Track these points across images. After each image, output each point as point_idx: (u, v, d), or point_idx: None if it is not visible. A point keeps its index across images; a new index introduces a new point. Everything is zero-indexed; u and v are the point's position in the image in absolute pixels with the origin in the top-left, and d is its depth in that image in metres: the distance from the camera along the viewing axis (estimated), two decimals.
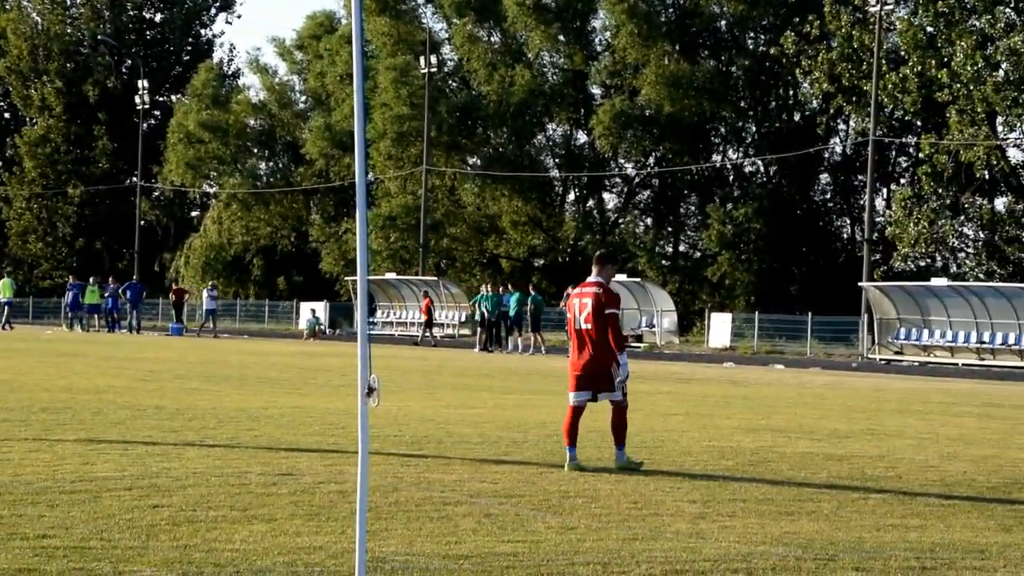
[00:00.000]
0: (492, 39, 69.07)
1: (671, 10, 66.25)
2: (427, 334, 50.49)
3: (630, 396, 12.07)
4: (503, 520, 8.15)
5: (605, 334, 11.51)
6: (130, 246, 75.79)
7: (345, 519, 7.64)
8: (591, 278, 12.14)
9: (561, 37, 67.30)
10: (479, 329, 46.92)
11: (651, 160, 68.62)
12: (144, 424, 14.62)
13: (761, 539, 7.69)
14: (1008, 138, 53.98)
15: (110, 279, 57.83)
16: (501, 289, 47.19)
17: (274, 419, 15.95)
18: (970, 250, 56.44)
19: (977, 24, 49.23)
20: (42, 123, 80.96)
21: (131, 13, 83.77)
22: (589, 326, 11.64)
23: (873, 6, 48.33)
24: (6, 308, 50.38)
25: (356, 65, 5.62)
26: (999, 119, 52.96)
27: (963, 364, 41.48)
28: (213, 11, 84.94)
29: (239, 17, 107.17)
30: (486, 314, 45.35)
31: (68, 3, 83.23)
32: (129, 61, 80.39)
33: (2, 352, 31.86)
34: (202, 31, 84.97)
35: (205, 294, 56.61)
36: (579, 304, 11.84)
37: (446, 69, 69.14)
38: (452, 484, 10.04)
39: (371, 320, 57.03)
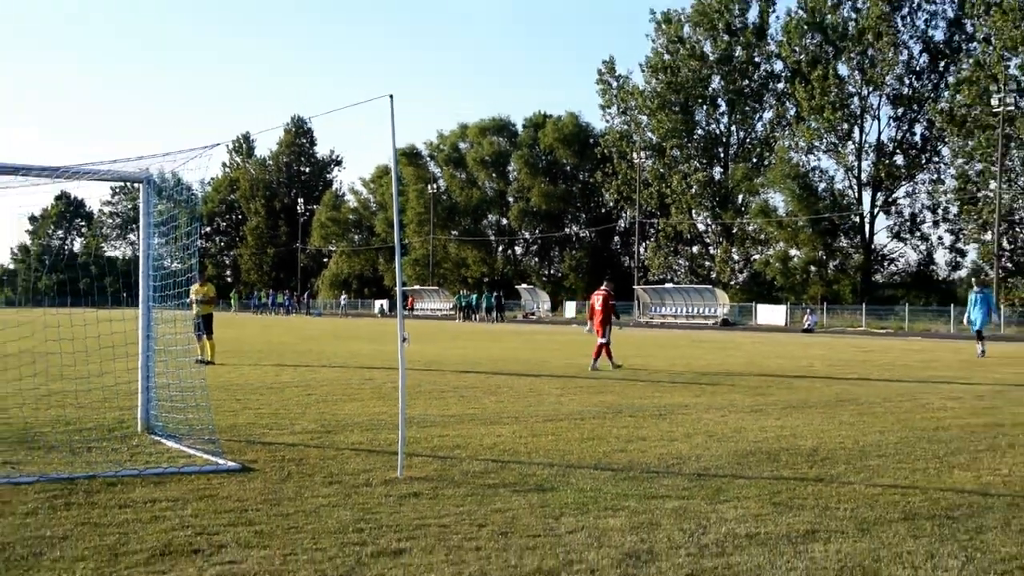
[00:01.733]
0: (462, 176, 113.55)
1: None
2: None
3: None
4: (476, 401, 15.14)
5: (608, 312, 22.62)
6: (295, 275, 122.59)
7: (396, 400, 14.29)
8: (603, 287, 23.18)
9: (494, 175, 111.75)
10: (459, 311, 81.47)
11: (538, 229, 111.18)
12: (302, 356, 23.25)
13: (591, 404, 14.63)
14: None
15: (287, 291, 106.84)
16: (466, 291, 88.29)
17: (362, 354, 24.78)
18: (681, 271, 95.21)
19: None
20: (255, 220, 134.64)
21: (294, 168, 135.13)
22: (599, 308, 22.68)
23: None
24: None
25: (394, 189, 11.15)
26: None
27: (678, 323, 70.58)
28: (332, 165, 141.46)
29: (344, 168, 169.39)
30: (462, 304, 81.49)
31: (267, 164, 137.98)
32: (294, 189, 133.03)
33: (246, 324, 39.58)
34: (326, 173, 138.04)
35: (343, 299, 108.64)
36: (595, 299, 23.09)
37: (440, 189, 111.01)
38: (447, 383, 16.46)
39: (408, 309, 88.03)
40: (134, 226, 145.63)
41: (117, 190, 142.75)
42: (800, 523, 7.31)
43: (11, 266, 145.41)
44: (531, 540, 6.70)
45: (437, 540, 6.68)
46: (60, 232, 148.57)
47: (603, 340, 22.34)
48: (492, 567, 6.05)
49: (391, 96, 9.25)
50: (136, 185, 11.91)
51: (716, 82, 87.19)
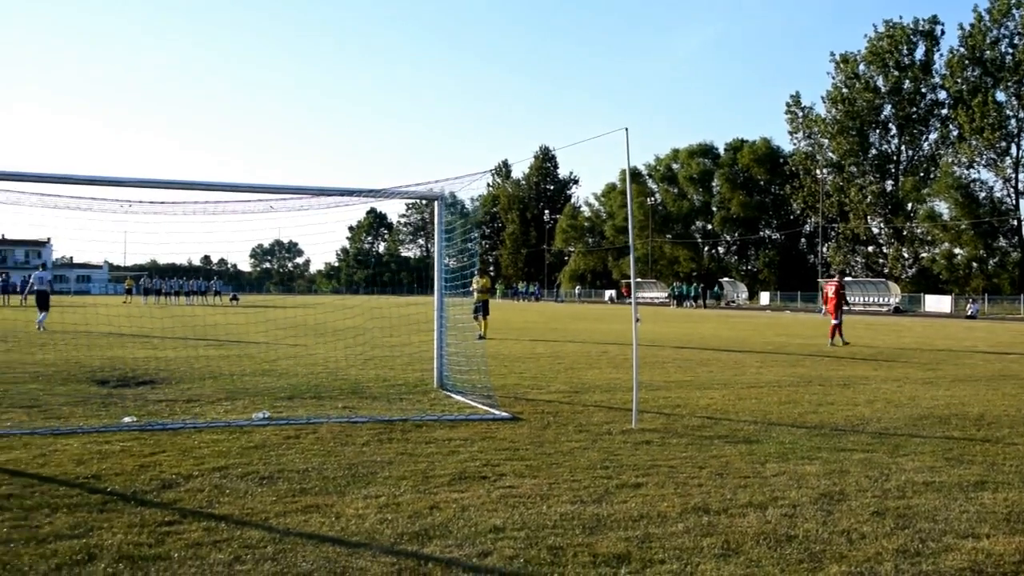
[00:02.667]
0: (674, 191, 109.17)
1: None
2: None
3: None
4: (691, 370, 14.96)
5: (839, 299, 22.39)
6: (542, 270, 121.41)
7: (628, 368, 14.27)
8: (834, 279, 23.06)
9: (700, 189, 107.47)
10: (673, 299, 76.23)
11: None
12: (551, 334, 20.88)
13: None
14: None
15: (536, 282, 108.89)
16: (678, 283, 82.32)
17: (597, 332, 23.25)
18: (858, 267, 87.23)
19: None
20: (512, 227, 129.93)
21: (542, 186, 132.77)
22: (832, 295, 22.59)
23: None
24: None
25: (629, 202, 12.12)
26: None
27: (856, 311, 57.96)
28: (571, 183, 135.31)
29: (580, 185, 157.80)
30: (675, 293, 76.66)
31: (521, 183, 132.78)
32: (541, 203, 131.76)
33: (506, 308, 41.15)
34: (566, 189, 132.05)
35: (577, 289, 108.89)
36: (828, 287, 23.29)
37: (656, 201, 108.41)
38: (667, 356, 16.48)
39: (629, 296, 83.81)
40: (422, 233, 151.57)
41: (410, 205, 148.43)
42: (970, 475, 6.96)
43: (336, 264, 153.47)
44: (742, 480, 6.66)
45: (667, 477, 6.74)
46: (370, 238, 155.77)
47: (836, 321, 22.16)
48: (712, 500, 6.07)
49: (626, 129, 9.36)
50: (421, 201, 12.44)
51: (887, 110, 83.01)
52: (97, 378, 12.78)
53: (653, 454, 7.61)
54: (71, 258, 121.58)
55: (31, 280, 26.40)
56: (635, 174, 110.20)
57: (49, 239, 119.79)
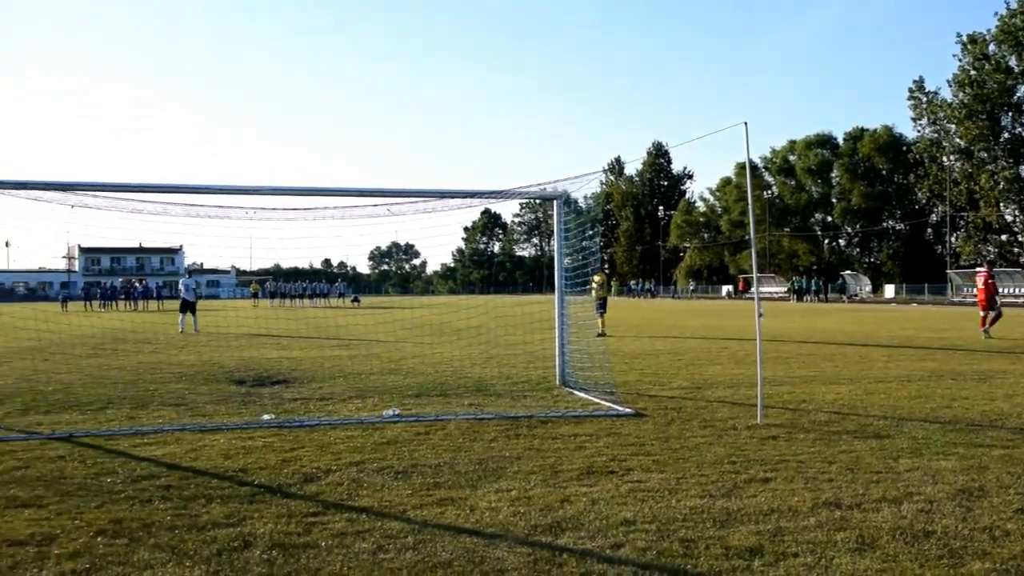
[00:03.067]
0: (791, 183, 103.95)
1: None
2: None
3: None
4: (815, 365, 14.58)
5: (989, 290, 21.93)
6: (657, 267, 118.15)
7: (750, 364, 14.17)
8: (983, 269, 22.90)
9: (819, 180, 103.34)
10: (792, 293, 74.42)
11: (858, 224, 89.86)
12: (669, 330, 20.69)
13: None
14: None
15: (652, 279, 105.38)
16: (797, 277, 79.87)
17: (716, 328, 22.89)
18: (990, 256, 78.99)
19: None
20: (625, 224, 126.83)
21: (655, 182, 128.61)
22: (982, 286, 22.11)
23: None
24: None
25: (749, 197, 12.00)
26: None
27: None
28: (685, 178, 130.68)
29: (695, 180, 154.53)
30: (795, 287, 73.91)
31: (634, 179, 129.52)
32: (655, 199, 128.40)
33: (623, 306, 41.49)
34: (680, 184, 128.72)
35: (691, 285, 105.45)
36: (978, 279, 22.62)
37: (773, 194, 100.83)
38: (789, 351, 16.18)
39: (745, 292, 77.82)
40: (536, 232, 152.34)
41: (523, 205, 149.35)
42: None
43: (452, 264, 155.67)
44: (874, 475, 6.54)
45: (796, 472, 6.68)
46: (484, 238, 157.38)
47: (988, 312, 21.69)
48: (844, 495, 5.99)
49: (745, 123, 9.26)
50: (535, 201, 12.55)
51: (1021, 91, 78.96)
52: (235, 378, 13.41)
53: (780, 449, 7.54)
54: (201, 264, 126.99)
55: (179, 286, 28.05)
56: (752, 167, 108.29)
57: (181, 246, 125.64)
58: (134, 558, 4.83)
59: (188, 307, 26.90)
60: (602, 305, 23.02)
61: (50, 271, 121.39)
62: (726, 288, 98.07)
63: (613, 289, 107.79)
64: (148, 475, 6.74)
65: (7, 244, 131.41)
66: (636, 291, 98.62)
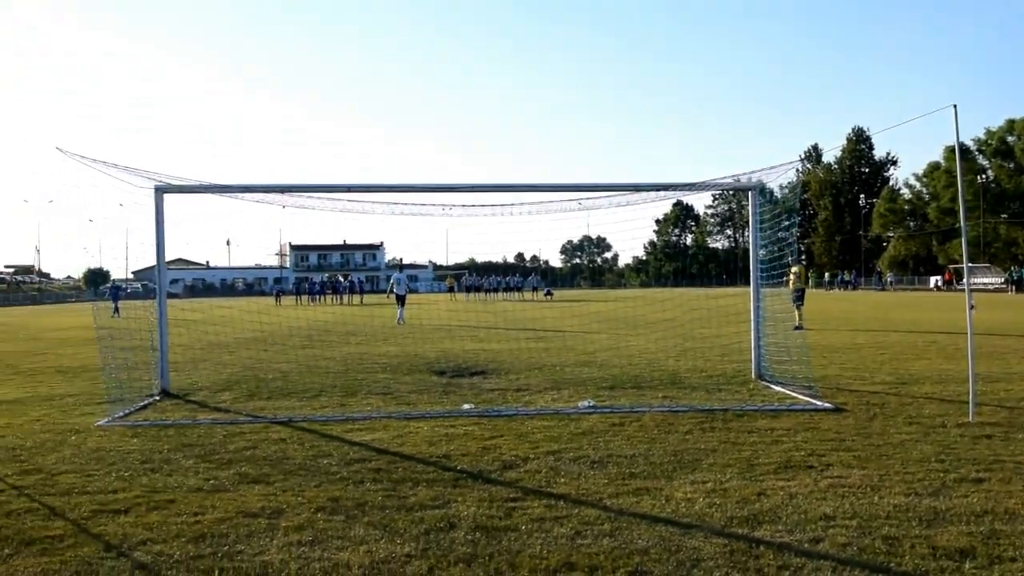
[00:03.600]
0: (1009, 166, 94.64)
1: None
2: None
3: None
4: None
5: None
6: (858, 258, 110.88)
7: (960, 359, 13.30)
8: None
9: None
10: (1011, 285, 65.47)
11: None
12: (871, 323, 19.66)
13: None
14: None
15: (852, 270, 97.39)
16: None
17: (923, 321, 21.38)
18: None
19: None
20: (824, 213, 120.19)
21: (856, 169, 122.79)
22: None
23: None
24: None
25: (960, 185, 11.32)
26: None
27: None
28: (889, 165, 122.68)
29: (899, 166, 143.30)
30: (1013, 278, 66.17)
31: (833, 167, 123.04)
32: (855, 187, 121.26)
33: (818, 298, 40.37)
34: (883, 171, 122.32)
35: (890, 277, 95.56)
36: None
37: (989, 179, 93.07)
38: (1007, 346, 15.03)
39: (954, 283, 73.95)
40: (730, 223, 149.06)
41: (716, 196, 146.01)
42: None
43: (643, 257, 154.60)
44: None
45: (1013, 473, 6.31)
46: (677, 230, 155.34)
47: None
48: None
49: (955, 106, 8.77)
50: (729, 192, 12.34)
51: None
52: (435, 369, 13.98)
53: (995, 449, 7.12)
54: (400, 259, 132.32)
55: (391, 281, 30.12)
56: (963, 150, 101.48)
57: (382, 242, 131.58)
58: (351, 533, 5.21)
59: (400, 300, 28.60)
60: (799, 297, 22.30)
61: (265, 268, 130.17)
62: (934, 279, 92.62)
63: (811, 281, 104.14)
64: (360, 458, 7.21)
65: (228, 243, 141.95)
66: (835, 282, 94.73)
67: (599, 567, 4.60)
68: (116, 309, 36.06)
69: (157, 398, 11.01)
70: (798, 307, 21.89)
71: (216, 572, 4.62)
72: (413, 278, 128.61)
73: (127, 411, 9.88)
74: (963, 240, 9.51)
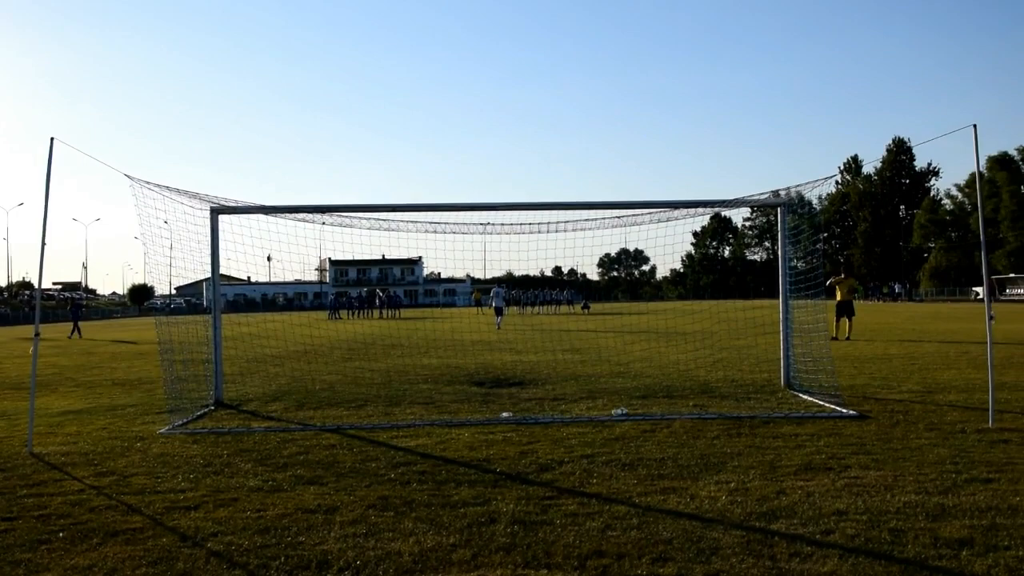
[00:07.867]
0: None
1: None
2: None
3: None
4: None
5: None
6: (898, 269, 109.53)
7: None
8: None
9: None
10: None
11: None
12: (906, 334, 20.60)
13: None
14: None
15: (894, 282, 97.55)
16: None
17: (959, 332, 22.01)
18: None
19: None
20: (863, 225, 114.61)
21: (896, 180, 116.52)
22: None
23: None
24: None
25: (979, 199, 11.43)
26: None
27: None
28: (930, 175, 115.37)
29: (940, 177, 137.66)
30: None
31: (872, 179, 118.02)
32: (896, 198, 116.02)
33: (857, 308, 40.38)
34: (924, 182, 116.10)
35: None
36: None
37: None
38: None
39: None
40: (768, 235, 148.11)
41: (755, 208, 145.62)
42: None
43: (681, 270, 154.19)
44: None
45: (1023, 474, 6.66)
46: (714, 243, 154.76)
47: None
48: None
49: (974, 126, 9.16)
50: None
51: None
52: (474, 380, 14.47)
53: (1010, 452, 7.46)
54: (439, 273, 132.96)
55: (491, 294, 36.26)
56: (1007, 160, 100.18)
57: (420, 257, 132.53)
58: (400, 526, 5.72)
59: (498, 311, 34.69)
60: (847, 309, 22.62)
61: (305, 283, 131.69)
62: (975, 290, 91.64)
63: (859, 293, 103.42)
64: (405, 462, 7.72)
65: (268, 258, 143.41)
66: (873, 294, 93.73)
67: (626, 555, 5.05)
68: (76, 328, 37.23)
69: (212, 408, 11.64)
70: (847, 319, 22.27)
71: (282, 559, 5.15)
72: (452, 292, 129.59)
73: (185, 420, 10.49)
74: (983, 253, 9.82)
